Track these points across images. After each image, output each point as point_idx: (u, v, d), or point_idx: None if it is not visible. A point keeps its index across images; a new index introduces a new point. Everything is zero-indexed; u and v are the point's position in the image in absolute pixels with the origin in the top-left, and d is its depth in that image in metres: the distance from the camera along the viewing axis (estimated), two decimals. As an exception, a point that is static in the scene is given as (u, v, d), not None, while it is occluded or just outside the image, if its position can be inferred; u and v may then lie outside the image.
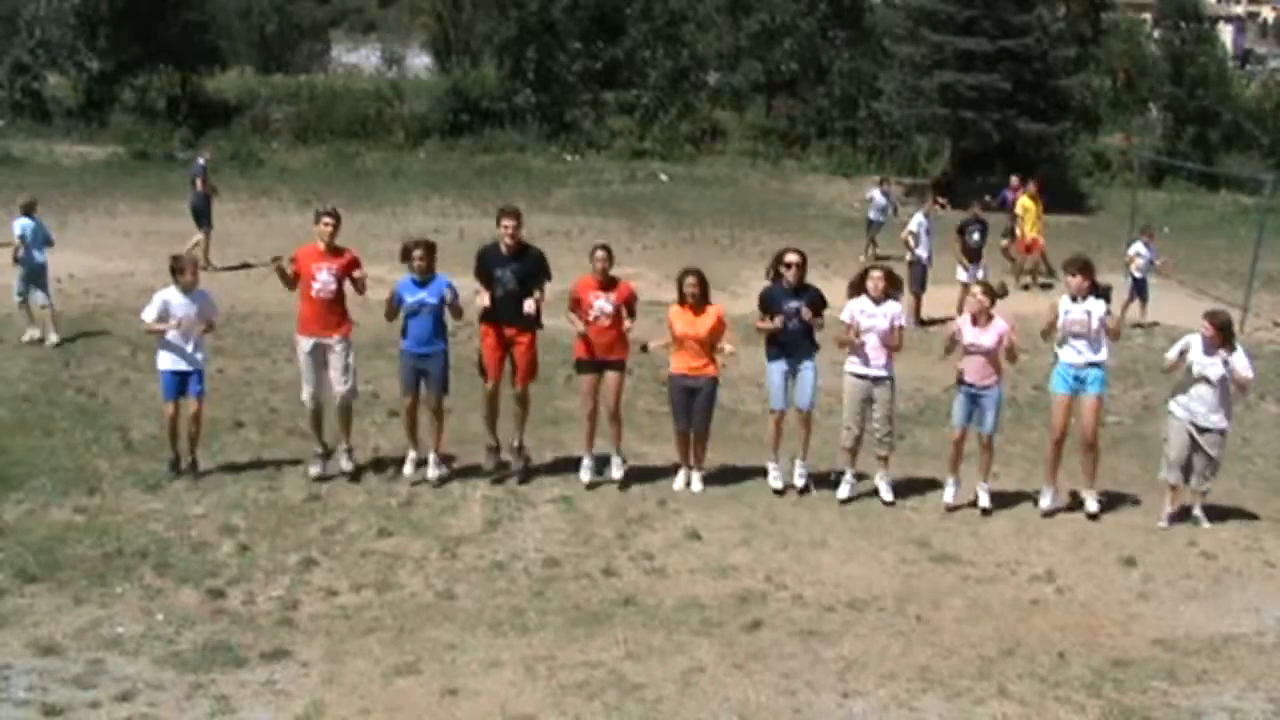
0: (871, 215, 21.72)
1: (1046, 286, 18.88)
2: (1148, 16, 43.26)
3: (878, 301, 9.60)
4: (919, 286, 16.41)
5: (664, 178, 29.89)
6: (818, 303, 9.67)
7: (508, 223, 9.51)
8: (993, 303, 9.58)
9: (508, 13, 32.86)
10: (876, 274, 9.68)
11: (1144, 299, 17.08)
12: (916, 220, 16.80)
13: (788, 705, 6.65)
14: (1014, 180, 22.19)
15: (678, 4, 34.96)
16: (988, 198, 19.41)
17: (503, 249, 9.55)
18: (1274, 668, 7.33)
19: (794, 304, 9.59)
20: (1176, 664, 7.30)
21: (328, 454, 9.81)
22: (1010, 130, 28.45)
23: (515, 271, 9.47)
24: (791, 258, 9.69)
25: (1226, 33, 53.84)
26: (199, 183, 18.46)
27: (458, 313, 9.70)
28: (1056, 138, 30.02)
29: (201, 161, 19.01)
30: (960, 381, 9.62)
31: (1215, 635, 7.72)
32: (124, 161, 28.18)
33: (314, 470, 9.74)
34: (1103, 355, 9.54)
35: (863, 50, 33.00)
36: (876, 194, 21.74)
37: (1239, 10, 69.83)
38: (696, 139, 33.35)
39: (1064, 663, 7.23)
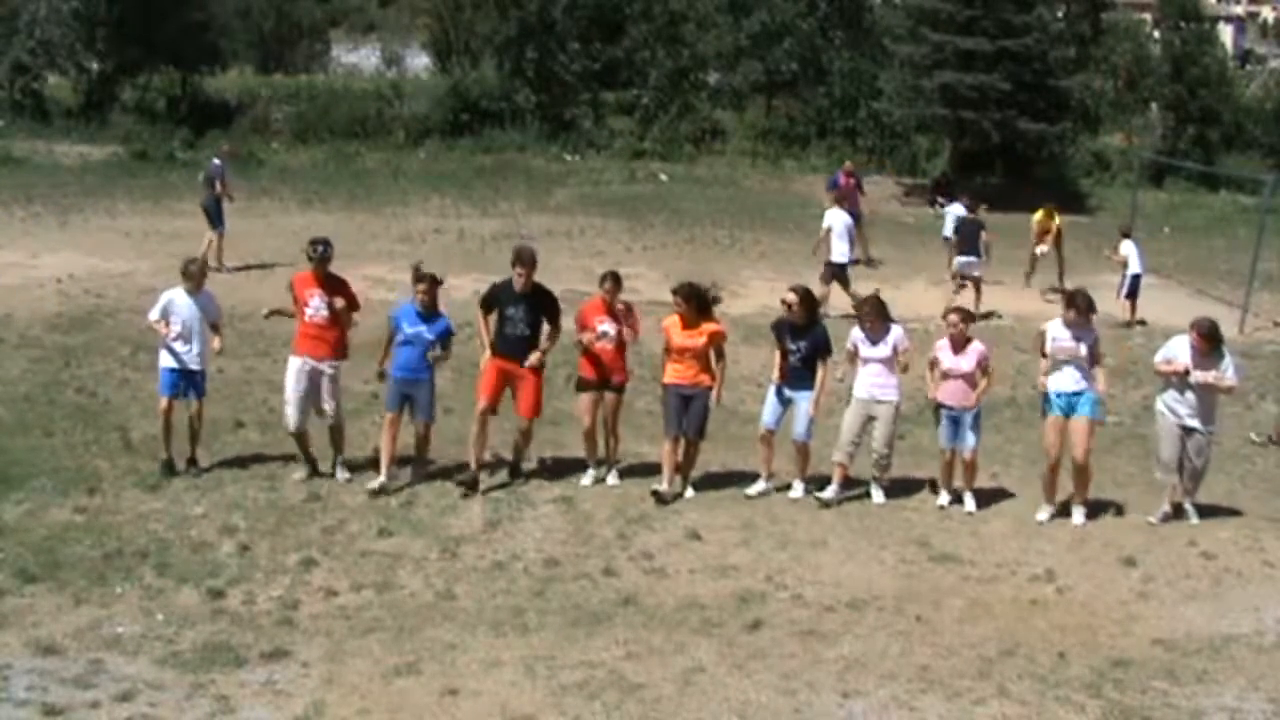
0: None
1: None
2: (1148, 16, 43.27)
3: (873, 337, 9.64)
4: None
5: (664, 178, 29.87)
6: (821, 347, 9.62)
7: (520, 270, 9.59)
8: (969, 324, 9.67)
9: (508, 13, 32.86)
10: (867, 314, 9.72)
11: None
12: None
13: (788, 705, 6.65)
14: (847, 164, 22.13)
15: (678, 4, 34.92)
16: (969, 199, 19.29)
17: (516, 288, 9.64)
18: (1274, 668, 7.33)
19: (796, 344, 9.61)
20: (1176, 664, 7.30)
21: (315, 470, 9.82)
22: (1010, 130, 28.43)
23: (527, 312, 9.60)
24: (789, 297, 9.73)
25: (1226, 33, 53.87)
26: (216, 184, 18.35)
27: (442, 359, 9.76)
28: (1056, 138, 30.00)
29: (218, 162, 18.87)
30: (939, 405, 9.69)
31: (1215, 635, 7.72)
32: (124, 161, 28.14)
33: (298, 476, 9.76)
34: (1095, 384, 9.41)
35: (863, 50, 32.99)
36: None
37: (1239, 10, 69.83)
38: (696, 139, 33.31)
39: (1064, 663, 7.23)
